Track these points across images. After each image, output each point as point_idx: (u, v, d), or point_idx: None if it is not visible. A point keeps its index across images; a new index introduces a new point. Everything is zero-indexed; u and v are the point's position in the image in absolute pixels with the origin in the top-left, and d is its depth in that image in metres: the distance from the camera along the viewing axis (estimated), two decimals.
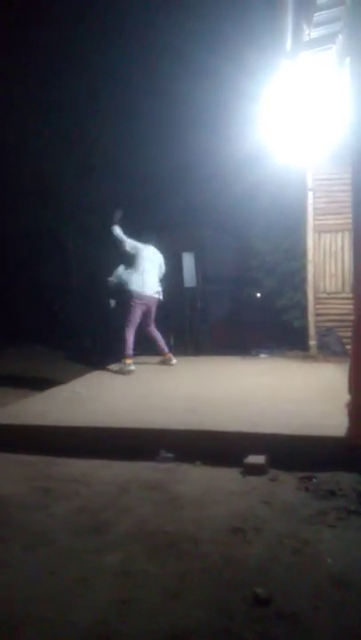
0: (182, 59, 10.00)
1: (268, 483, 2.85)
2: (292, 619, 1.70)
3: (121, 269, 6.16)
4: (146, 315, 5.99)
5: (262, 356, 7.44)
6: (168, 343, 6.49)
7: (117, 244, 6.00)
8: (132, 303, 5.87)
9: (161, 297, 6.12)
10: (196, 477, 2.96)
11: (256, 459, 3.01)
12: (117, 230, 5.97)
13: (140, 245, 6.02)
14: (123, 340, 5.83)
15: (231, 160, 8.58)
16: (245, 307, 9.49)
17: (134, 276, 5.91)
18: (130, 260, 6.03)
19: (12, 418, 3.80)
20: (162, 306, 6.27)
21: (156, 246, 6.23)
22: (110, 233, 6.02)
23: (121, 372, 5.71)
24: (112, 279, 6.24)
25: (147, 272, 5.97)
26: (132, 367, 5.77)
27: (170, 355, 6.21)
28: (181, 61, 10.01)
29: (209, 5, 10.13)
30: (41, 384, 5.51)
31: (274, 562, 2.06)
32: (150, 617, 1.73)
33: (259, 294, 9.23)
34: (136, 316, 5.88)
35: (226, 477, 2.93)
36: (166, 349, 6.24)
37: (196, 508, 2.55)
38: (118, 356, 5.91)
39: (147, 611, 1.76)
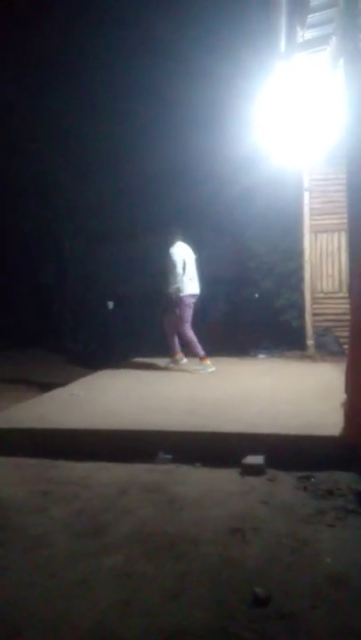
0: (179, 61, 10.04)
1: (266, 483, 2.86)
2: (292, 618, 1.71)
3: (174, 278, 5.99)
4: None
5: (261, 356, 7.46)
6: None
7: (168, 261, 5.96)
8: (186, 304, 5.90)
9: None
10: (196, 479, 2.96)
11: (255, 459, 3.01)
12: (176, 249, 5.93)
13: (182, 250, 6.00)
14: (189, 343, 5.87)
15: (228, 161, 8.62)
16: (243, 307, 9.53)
17: (186, 279, 5.94)
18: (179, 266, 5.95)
19: (11, 421, 3.80)
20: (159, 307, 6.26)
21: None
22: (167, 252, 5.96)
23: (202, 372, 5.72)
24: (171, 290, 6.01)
25: (193, 271, 6.06)
26: (212, 368, 5.77)
27: (181, 354, 6.21)
28: (178, 63, 10.05)
29: (204, 8, 10.17)
30: (39, 387, 5.52)
31: (273, 562, 2.06)
32: (150, 618, 1.73)
33: (257, 295, 9.26)
34: (189, 315, 5.93)
35: (225, 478, 2.93)
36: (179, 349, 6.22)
37: (196, 509, 2.55)
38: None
39: (147, 612, 1.77)
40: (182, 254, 5.97)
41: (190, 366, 5.96)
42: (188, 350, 6.01)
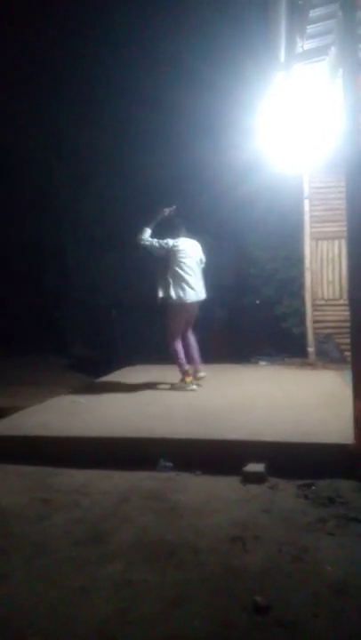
0: (179, 70, 10.13)
1: (267, 491, 2.86)
2: (292, 626, 1.71)
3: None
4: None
5: (262, 363, 7.45)
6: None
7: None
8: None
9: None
10: (196, 486, 2.97)
11: (255, 467, 3.02)
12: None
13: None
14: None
15: (228, 169, 8.66)
16: (244, 314, 9.52)
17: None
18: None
19: (12, 429, 3.81)
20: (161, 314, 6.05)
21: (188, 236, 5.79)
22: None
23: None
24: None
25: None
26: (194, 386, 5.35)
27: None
28: (178, 72, 10.15)
29: (205, 20, 10.30)
30: (41, 394, 5.52)
31: (273, 570, 2.06)
32: (150, 626, 1.74)
33: (258, 301, 9.26)
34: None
35: (226, 486, 2.94)
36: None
37: (196, 517, 2.56)
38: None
39: (147, 620, 1.77)
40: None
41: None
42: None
